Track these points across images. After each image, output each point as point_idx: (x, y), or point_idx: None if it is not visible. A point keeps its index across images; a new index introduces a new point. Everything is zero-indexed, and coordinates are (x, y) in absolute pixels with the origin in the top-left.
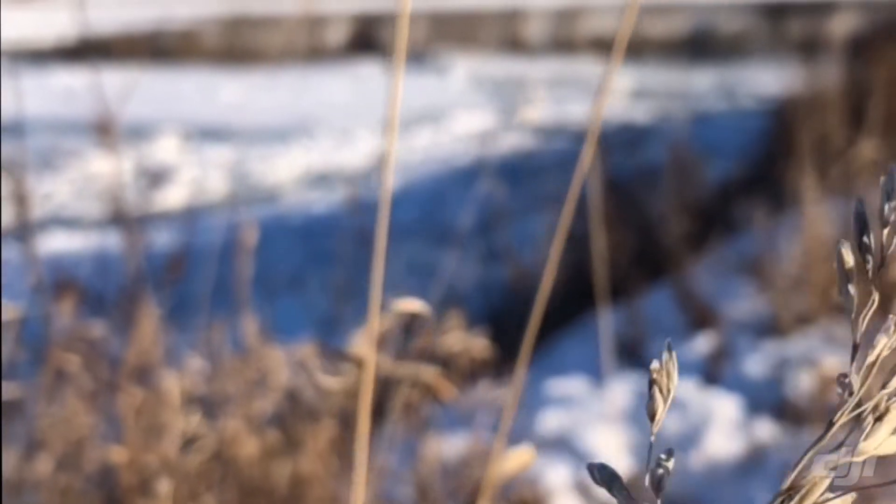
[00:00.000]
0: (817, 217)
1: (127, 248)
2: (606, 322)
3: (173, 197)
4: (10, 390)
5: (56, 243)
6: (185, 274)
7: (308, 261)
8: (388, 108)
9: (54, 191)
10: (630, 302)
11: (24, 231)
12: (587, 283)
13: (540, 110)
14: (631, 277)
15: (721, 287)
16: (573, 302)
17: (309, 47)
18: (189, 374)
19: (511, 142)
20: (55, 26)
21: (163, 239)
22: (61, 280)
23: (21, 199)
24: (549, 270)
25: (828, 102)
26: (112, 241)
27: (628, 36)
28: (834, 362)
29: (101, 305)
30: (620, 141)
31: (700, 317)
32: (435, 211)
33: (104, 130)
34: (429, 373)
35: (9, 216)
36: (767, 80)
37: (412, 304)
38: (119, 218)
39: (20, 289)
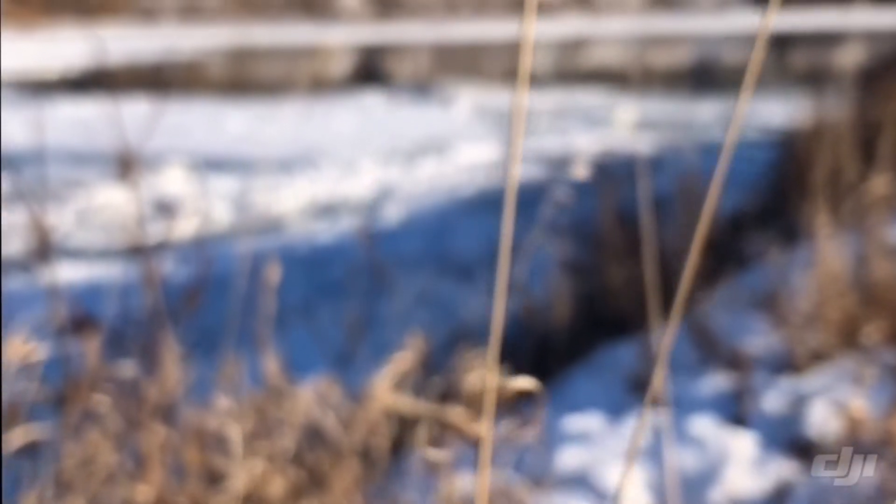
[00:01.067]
0: (830, 252)
1: (144, 282)
2: (666, 343)
3: (180, 228)
4: (33, 431)
5: (61, 274)
6: (199, 307)
7: (315, 291)
8: (513, 117)
9: (59, 221)
10: (642, 336)
11: (43, 265)
12: (598, 315)
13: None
14: (643, 311)
15: (734, 322)
16: (584, 335)
17: (313, 78)
18: (216, 412)
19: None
20: (60, 57)
21: (170, 270)
22: (79, 315)
23: (40, 233)
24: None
25: (837, 135)
26: (119, 271)
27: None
28: (853, 400)
29: (120, 340)
30: (627, 173)
31: (714, 352)
32: (441, 242)
33: (124, 164)
34: (454, 412)
35: (18, 247)
36: (773, 111)
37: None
38: (136, 250)
39: (26, 320)
